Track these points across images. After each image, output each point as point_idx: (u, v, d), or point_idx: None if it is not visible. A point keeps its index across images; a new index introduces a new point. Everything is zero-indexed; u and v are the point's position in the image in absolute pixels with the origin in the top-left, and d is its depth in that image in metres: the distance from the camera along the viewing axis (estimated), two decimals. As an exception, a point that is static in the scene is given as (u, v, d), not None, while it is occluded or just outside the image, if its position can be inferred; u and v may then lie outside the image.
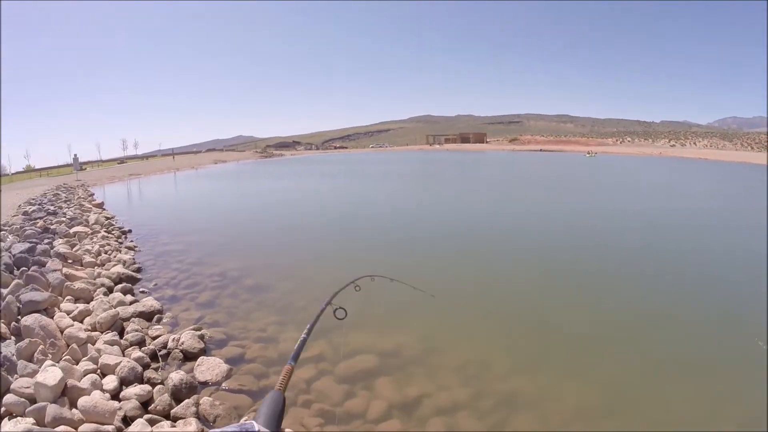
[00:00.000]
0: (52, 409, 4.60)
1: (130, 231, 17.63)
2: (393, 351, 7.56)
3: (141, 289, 10.38)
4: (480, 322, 9.13)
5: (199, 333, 7.60)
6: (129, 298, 9.31)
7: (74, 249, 12.63)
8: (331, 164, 79.36)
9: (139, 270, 11.90)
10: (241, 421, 0.62)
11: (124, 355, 6.64)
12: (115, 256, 12.74)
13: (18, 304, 7.25)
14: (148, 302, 8.93)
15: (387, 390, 6.39)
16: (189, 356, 7.03)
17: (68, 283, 9.02)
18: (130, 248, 14.40)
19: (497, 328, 8.84)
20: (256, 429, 0.76)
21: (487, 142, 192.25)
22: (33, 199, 25.51)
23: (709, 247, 15.57)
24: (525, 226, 19.54)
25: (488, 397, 6.33)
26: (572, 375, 7.09)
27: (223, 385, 6.38)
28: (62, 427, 4.50)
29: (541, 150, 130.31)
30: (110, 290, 9.70)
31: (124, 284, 10.26)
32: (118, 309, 8.22)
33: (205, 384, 6.34)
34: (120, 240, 15.89)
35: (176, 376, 5.94)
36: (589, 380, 6.94)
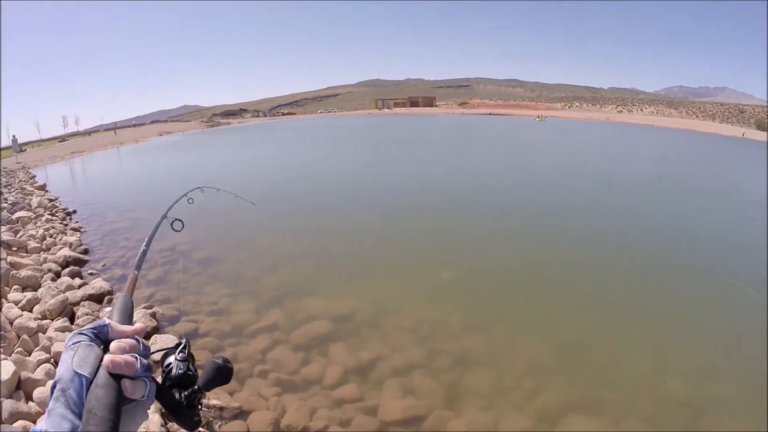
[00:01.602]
0: (8, 405, 4.57)
1: (74, 212, 17.14)
2: (347, 315, 7.75)
3: (89, 271, 10.23)
4: (433, 282, 9.39)
5: (150, 311, 7.62)
6: (77, 281, 9.16)
7: (18, 235, 12.24)
8: (279, 131, 78.04)
9: (86, 251, 11.67)
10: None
11: (77, 341, 6.57)
12: (60, 239, 12.44)
13: (-38, 299, 7.09)
14: (97, 284, 8.79)
15: (342, 355, 6.58)
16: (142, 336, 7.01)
17: (14, 271, 8.80)
18: (75, 230, 14.06)
19: (450, 288, 9.13)
20: (107, 322, 0.84)
21: (436, 105, 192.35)
22: (-31, 185, 24.45)
23: (654, 207, 16.26)
24: (479, 185, 20.00)
25: (442, 356, 6.57)
26: (524, 331, 7.42)
27: (178, 361, 6.40)
28: (20, 422, 4.48)
29: (490, 114, 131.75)
30: (58, 275, 9.51)
31: (71, 267, 10.07)
32: (67, 294, 8.10)
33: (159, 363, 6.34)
34: (65, 222, 15.44)
35: (130, 358, 5.92)
36: (541, 335, 7.30)
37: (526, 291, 9.06)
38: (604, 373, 6.58)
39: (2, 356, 5.39)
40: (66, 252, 11.00)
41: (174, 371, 0.90)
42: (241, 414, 5.42)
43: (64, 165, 41.28)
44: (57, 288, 8.30)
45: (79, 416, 0.70)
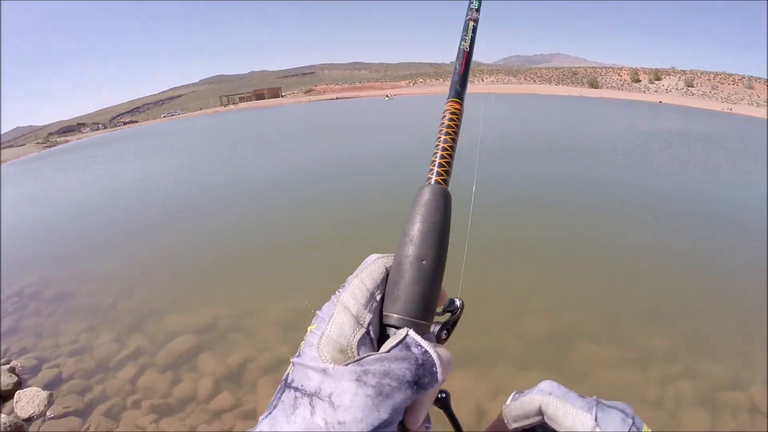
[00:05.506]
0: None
1: None
2: (209, 324, 7.59)
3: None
4: (288, 274, 9.49)
5: (8, 366, 7.08)
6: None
7: None
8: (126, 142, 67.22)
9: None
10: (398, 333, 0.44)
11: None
12: None
13: None
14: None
15: (211, 365, 6.75)
16: (5, 395, 6.51)
17: None
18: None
19: (305, 274, 9.27)
20: (430, 352, 0.50)
21: (282, 96, 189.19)
22: None
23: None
24: (336, 176, 19.65)
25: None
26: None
27: (48, 413, 6.19)
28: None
29: (337, 98, 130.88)
30: None
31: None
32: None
33: (30, 420, 6.11)
34: None
35: (-2, 420, 5.68)
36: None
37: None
38: (468, 326, 7.15)
39: None
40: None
41: None
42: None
43: None
44: None
45: None
